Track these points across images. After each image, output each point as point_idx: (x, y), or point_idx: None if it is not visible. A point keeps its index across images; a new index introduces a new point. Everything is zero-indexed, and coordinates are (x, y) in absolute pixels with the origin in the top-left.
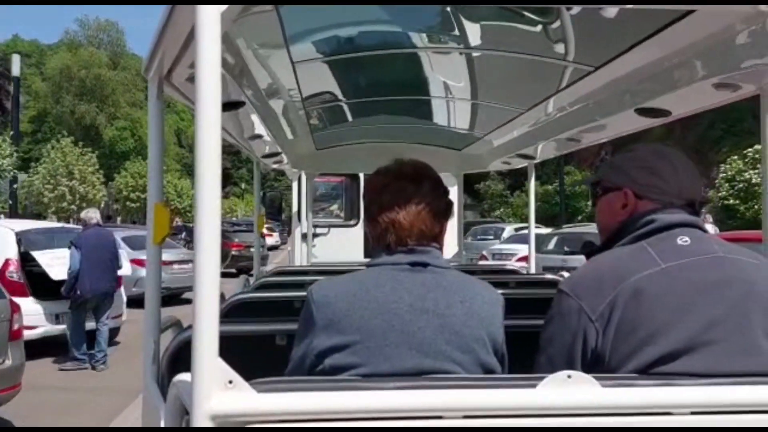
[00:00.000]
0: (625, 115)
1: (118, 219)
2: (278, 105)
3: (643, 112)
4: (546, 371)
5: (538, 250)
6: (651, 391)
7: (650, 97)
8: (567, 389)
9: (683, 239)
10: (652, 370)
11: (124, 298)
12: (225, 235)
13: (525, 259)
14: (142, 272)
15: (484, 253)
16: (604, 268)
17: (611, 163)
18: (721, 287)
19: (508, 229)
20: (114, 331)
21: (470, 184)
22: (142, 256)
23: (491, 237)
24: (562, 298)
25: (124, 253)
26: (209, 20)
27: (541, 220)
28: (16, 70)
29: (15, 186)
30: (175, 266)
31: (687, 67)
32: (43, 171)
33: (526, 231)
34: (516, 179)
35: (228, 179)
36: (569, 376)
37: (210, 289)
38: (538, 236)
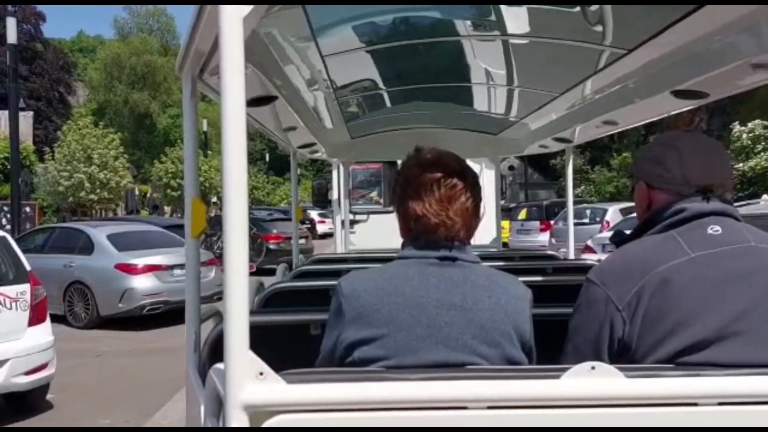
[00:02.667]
0: (661, 98)
1: (166, 210)
2: (311, 97)
3: (680, 94)
4: (573, 360)
5: None
6: (677, 382)
7: (686, 79)
8: (591, 380)
9: (714, 228)
10: (678, 360)
11: (50, 338)
12: (260, 226)
13: None
14: (131, 281)
15: (589, 243)
16: (632, 258)
17: (635, 156)
18: (751, 277)
19: (612, 211)
20: (39, 392)
21: (544, 160)
22: (132, 260)
23: (587, 221)
24: (589, 287)
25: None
26: (232, 24)
27: (626, 198)
28: (12, 36)
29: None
30: (177, 271)
31: (723, 48)
32: (58, 156)
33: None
34: (597, 153)
35: (288, 166)
36: (593, 368)
37: (240, 285)
38: None
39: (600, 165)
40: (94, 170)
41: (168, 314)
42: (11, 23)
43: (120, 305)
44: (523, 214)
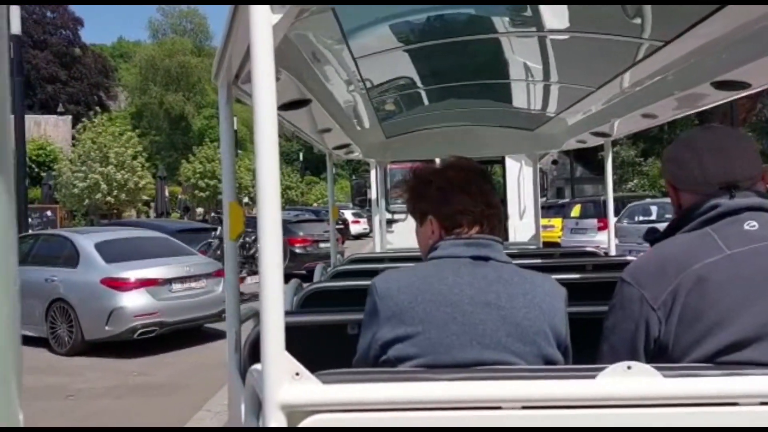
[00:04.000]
0: (701, 89)
1: (199, 211)
2: (344, 98)
3: (720, 85)
4: (609, 361)
5: None
6: (716, 381)
7: (727, 70)
8: (627, 379)
9: (750, 224)
10: (717, 360)
11: None
12: (284, 229)
13: None
14: (120, 299)
15: None
16: (667, 256)
17: (662, 155)
18: None
19: None
20: None
21: (590, 153)
22: (121, 273)
23: (654, 218)
24: (623, 286)
25: None
26: (262, 32)
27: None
28: (16, 26)
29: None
30: (176, 286)
31: (763, 37)
32: (73, 156)
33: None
34: (649, 145)
35: (324, 165)
36: (629, 367)
37: (275, 287)
38: None
39: (653, 157)
40: (110, 170)
41: (166, 338)
42: (15, 12)
43: (107, 328)
44: (576, 211)
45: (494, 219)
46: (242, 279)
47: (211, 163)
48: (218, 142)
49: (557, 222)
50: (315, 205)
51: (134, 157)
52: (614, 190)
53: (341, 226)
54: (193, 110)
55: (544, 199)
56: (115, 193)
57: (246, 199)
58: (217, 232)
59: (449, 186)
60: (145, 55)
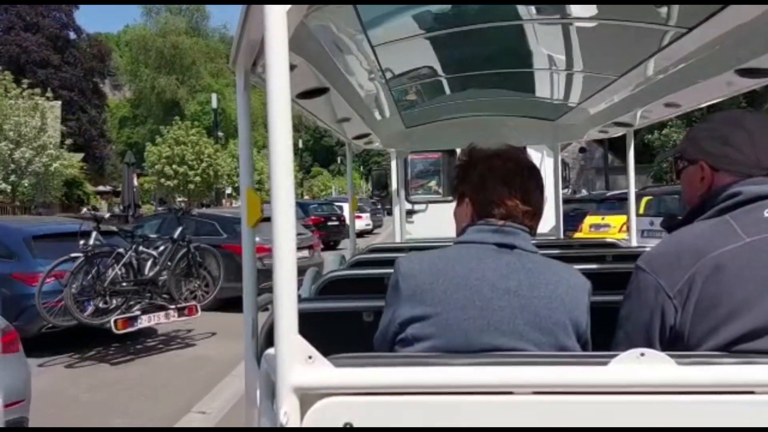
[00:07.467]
0: (725, 77)
1: (177, 201)
2: (363, 87)
3: (745, 72)
4: (624, 348)
5: None
6: (731, 369)
7: (751, 57)
8: (640, 366)
9: None
10: (733, 348)
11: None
12: (231, 232)
13: None
14: None
15: None
16: (684, 244)
17: (687, 136)
18: None
19: None
20: None
21: (637, 137)
22: None
23: None
24: (639, 274)
25: None
26: (275, 18)
27: None
28: None
29: None
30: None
31: None
32: None
33: None
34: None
35: (333, 156)
36: (642, 354)
37: (288, 273)
38: None
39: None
40: (10, 150)
41: None
42: None
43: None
44: (641, 208)
45: (528, 217)
46: (126, 321)
47: (180, 146)
48: (190, 122)
49: (614, 220)
50: (307, 197)
51: (41, 130)
52: (659, 180)
53: (336, 223)
54: (187, 94)
55: (566, 191)
56: (12, 178)
57: (229, 190)
58: (89, 240)
59: (491, 174)
60: (135, 35)
